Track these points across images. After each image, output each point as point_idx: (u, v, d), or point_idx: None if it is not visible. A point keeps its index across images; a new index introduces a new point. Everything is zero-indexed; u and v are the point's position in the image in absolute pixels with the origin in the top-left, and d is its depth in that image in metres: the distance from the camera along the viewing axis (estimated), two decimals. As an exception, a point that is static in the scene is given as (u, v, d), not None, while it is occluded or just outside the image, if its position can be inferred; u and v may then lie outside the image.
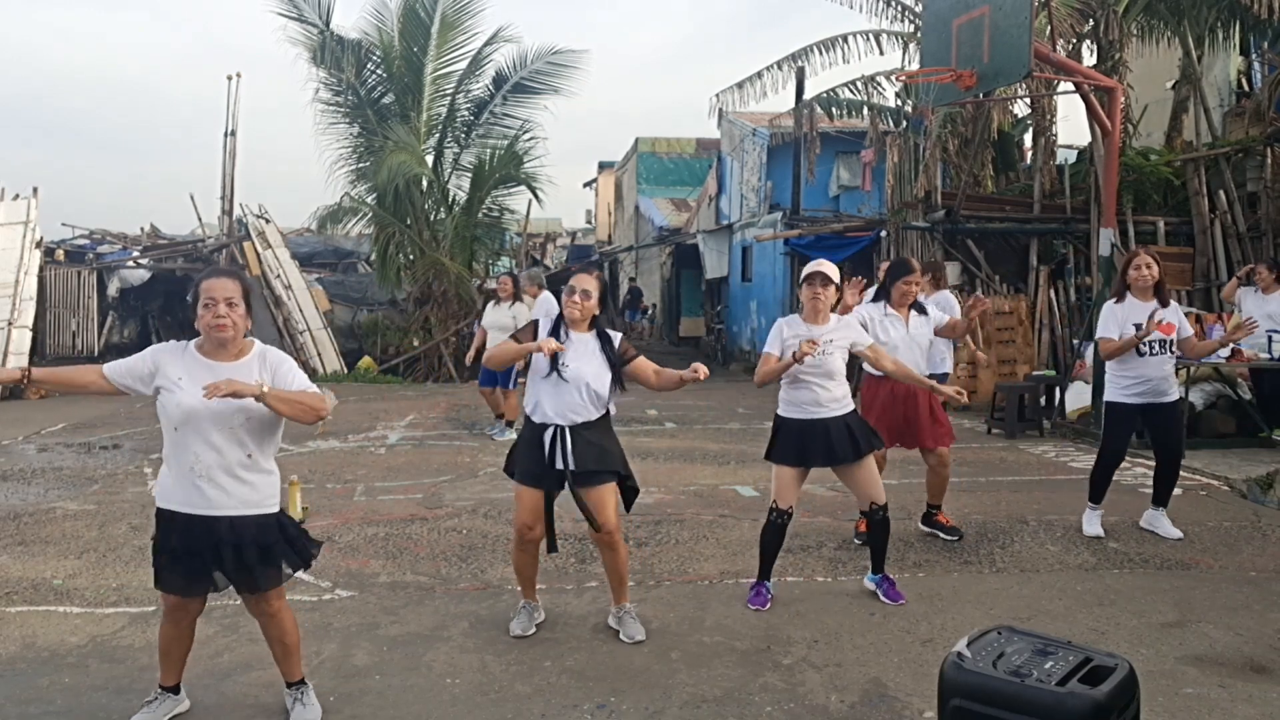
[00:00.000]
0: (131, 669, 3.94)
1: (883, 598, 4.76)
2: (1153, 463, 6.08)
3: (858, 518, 5.91)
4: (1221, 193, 12.73)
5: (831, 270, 4.63)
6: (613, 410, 4.26)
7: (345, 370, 16.08)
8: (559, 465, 4.09)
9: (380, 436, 9.87)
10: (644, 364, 4.24)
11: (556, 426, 4.10)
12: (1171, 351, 5.76)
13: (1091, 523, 5.99)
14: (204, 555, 3.27)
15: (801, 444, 4.60)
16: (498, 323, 9.36)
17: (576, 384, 4.10)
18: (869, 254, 14.13)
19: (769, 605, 4.66)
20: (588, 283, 4.21)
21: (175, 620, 3.41)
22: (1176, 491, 6.41)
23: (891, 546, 5.64)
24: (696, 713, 3.58)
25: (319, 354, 15.99)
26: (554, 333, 4.17)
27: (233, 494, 3.26)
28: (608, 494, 4.17)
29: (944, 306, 6.54)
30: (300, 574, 5.08)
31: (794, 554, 5.55)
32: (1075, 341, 11.48)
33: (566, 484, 4.14)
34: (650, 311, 27.75)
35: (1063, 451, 8.99)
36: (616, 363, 4.16)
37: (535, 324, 4.27)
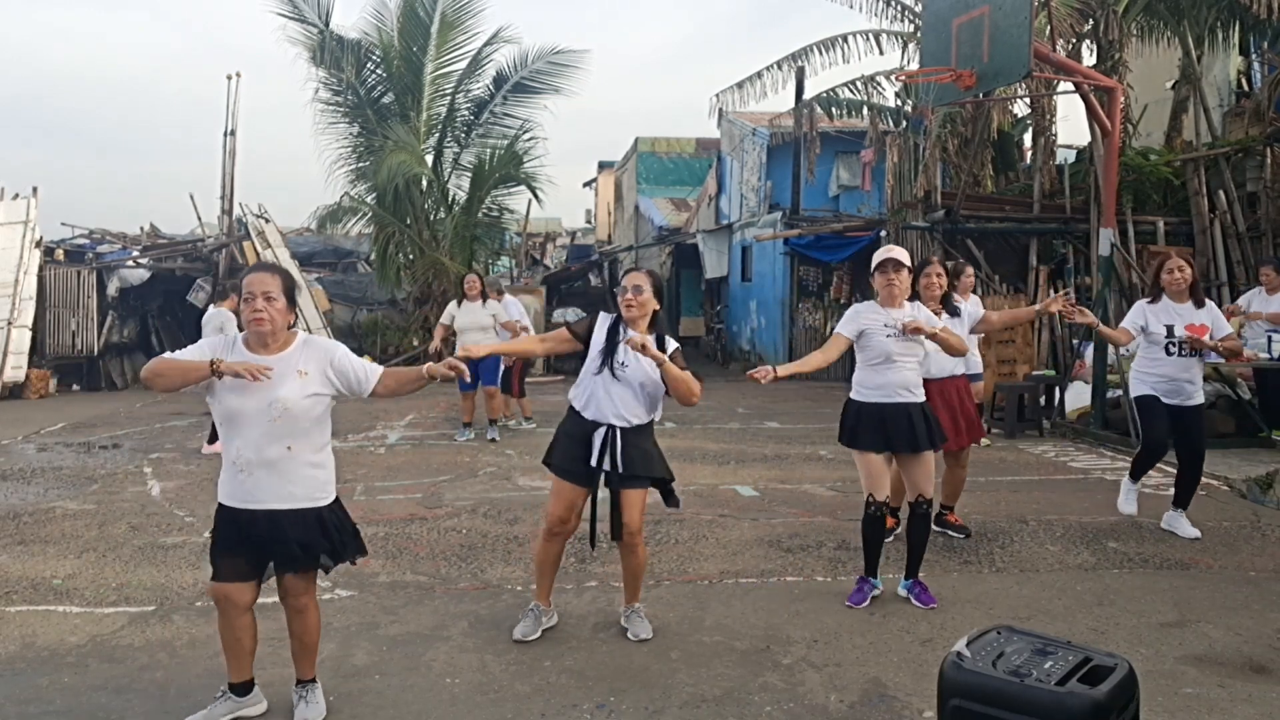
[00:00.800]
0: (131, 669, 3.94)
1: (915, 602, 4.71)
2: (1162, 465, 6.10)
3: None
4: (1221, 193, 12.73)
5: (903, 255, 4.62)
6: (659, 414, 4.22)
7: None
8: (604, 465, 4.06)
9: (380, 436, 9.87)
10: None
11: (609, 426, 4.07)
12: (1200, 355, 5.75)
13: (1128, 498, 6.01)
14: (246, 548, 3.32)
15: (885, 428, 4.55)
16: (477, 322, 9.39)
17: (632, 384, 4.06)
18: (869, 254, 14.14)
19: (868, 602, 4.63)
20: (638, 279, 4.15)
21: (226, 613, 3.39)
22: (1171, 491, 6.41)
23: (892, 547, 5.65)
24: (696, 712, 3.58)
25: (319, 354, 15.96)
26: (613, 331, 4.12)
27: (270, 489, 3.29)
28: (640, 498, 4.16)
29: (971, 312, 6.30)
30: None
31: (794, 554, 5.55)
32: (1075, 341, 11.48)
33: (602, 483, 4.12)
34: None
35: (1062, 451, 9.00)
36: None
37: (595, 318, 4.21)
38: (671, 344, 4.14)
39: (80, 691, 3.74)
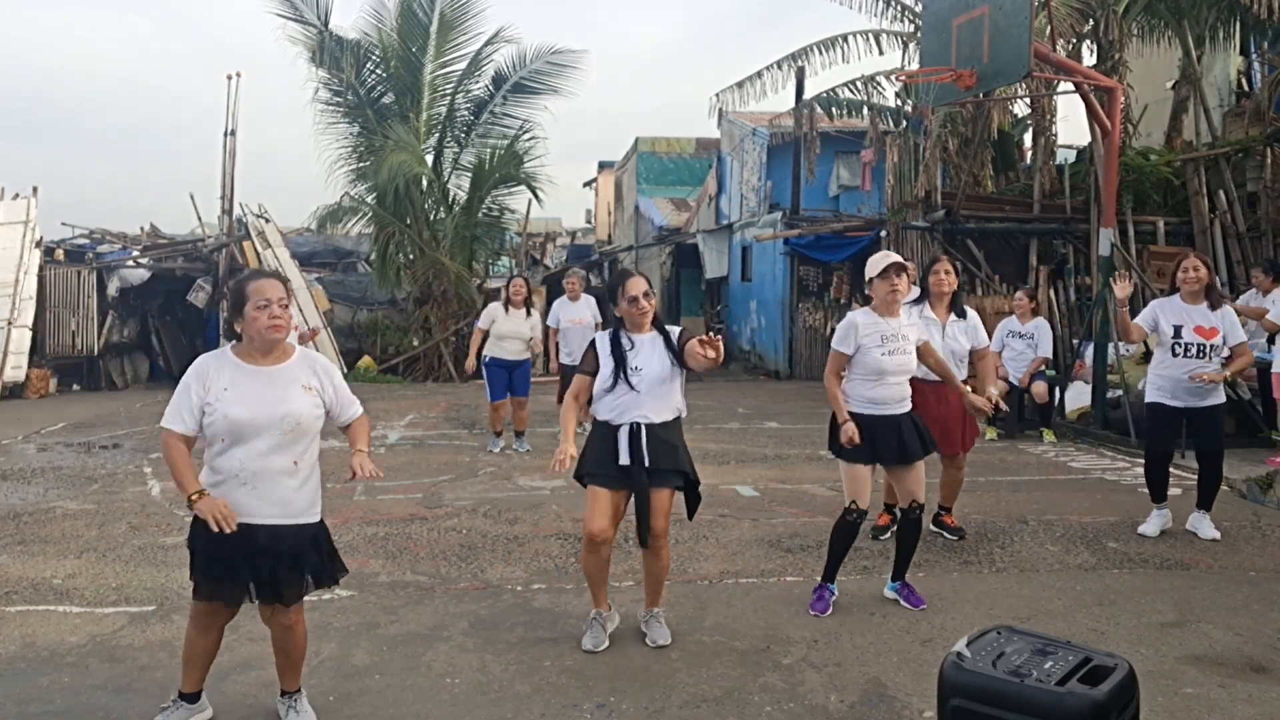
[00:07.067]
0: (131, 668, 3.94)
1: (904, 604, 4.68)
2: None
3: (880, 510, 5.89)
4: (1221, 193, 12.73)
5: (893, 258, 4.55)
6: (683, 413, 4.23)
7: (345, 370, 16.07)
8: (633, 461, 4.02)
9: (380, 436, 9.86)
10: (694, 344, 4.16)
11: (633, 424, 4.07)
12: (1210, 356, 5.66)
13: (1151, 524, 5.97)
14: (239, 562, 3.22)
15: (875, 441, 4.53)
16: (518, 332, 8.68)
17: (649, 389, 4.07)
18: (869, 254, 14.14)
19: (830, 610, 4.58)
20: (644, 284, 4.18)
21: (204, 627, 3.36)
22: (1175, 491, 6.41)
23: (888, 546, 5.65)
24: (696, 712, 3.58)
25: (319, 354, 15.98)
26: (614, 342, 4.13)
27: (274, 503, 3.24)
28: (667, 499, 4.15)
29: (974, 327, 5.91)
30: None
31: (794, 554, 5.55)
32: (1075, 341, 11.47)
33: (635, 484, 4.08)
34: None
35: (1063, 451, 8.99)
36: (679, 352, 4.12)
37: (592, 347, 4.20)
38: (674, 329, 4.21)
39: (80, 691, 3.74)
